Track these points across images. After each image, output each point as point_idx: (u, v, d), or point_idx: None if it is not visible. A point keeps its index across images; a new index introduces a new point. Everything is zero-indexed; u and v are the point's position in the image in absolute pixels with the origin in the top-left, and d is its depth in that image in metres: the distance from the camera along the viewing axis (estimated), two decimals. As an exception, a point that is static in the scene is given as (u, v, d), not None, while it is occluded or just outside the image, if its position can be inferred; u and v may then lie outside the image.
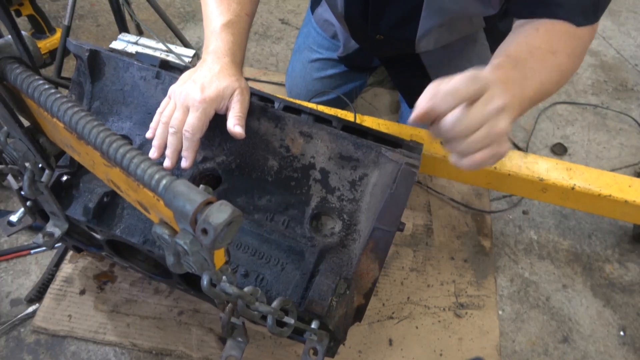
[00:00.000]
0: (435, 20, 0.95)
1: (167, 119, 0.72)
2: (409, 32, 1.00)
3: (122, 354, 0.95)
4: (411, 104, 1.25)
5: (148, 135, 0.76)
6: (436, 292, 1.08)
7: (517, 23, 0.75)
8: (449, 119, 0.55)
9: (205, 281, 0.48)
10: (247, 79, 0.80)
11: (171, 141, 0.71)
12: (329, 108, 1.11)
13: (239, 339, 0.67)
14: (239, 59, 0.78)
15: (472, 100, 0.55)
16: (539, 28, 0.70)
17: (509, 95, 0.57)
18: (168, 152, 0.72)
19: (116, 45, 1.34)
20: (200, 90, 0.70)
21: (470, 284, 1.11)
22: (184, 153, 0.72)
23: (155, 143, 0.72)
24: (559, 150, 1.50)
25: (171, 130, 0.71)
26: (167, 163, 0.72)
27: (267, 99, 0.81)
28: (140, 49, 1.34)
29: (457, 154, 0.59)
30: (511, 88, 0.60)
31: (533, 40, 0.69)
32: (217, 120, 0.78)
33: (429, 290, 1.09)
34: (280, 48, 1.79)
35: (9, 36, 0.51)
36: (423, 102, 0.55)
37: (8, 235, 1.08)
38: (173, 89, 0.74)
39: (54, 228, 0.76)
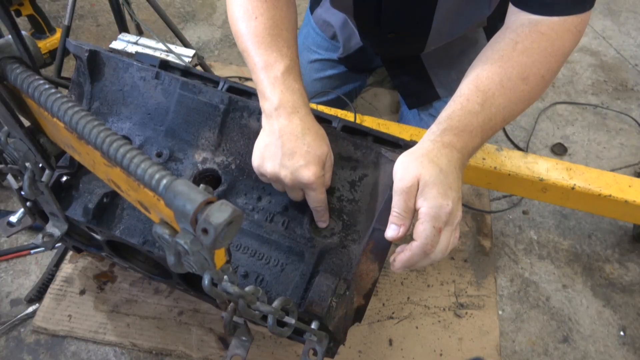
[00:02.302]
0: (448, 18, 0.96)
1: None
2: (422, 29, 1.00)
3: (122, 354, 0.95)
4: (410, 105, 1.26)
5: None
6: (436, 292, 1.08)
7: (506, 22, 0.75)
8: (426, 262, 0.63)
9: (206, 281, 0.48)
10: (246, 79, 0.79)
11: (315, 209, 0.71)
12: (329, 108, 1.11)
13: (243, 337, 0.67)
14: (309, 107, 0.72)
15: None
16: (517, 43, 0.69)
17: (458, 177, 0.63)
18: (317, 216, 0.72)
19: (116, 45, 1.34)
20: (305, 169, 0.66)
21: (470, 284, 1.11)
22: (321, 220, 0.72)
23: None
24: (559, 150, 1.50)
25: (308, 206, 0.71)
26: (323, 225, 0.73)
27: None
28: (140, 49, 1.34)
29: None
30: (461, 156, 0.65)
31: (506, 65, 0.68)
32: (218, 121, 0.78)
33: (429, 290, 1.09)
34: (280, 48, 1.79)
35: (9, 36, 0.51)
36: (400, 267, 0.64)
37: (8, 236, 1.08)
38: (265, 172, 0.69)
39: (54, 229, 0.76)
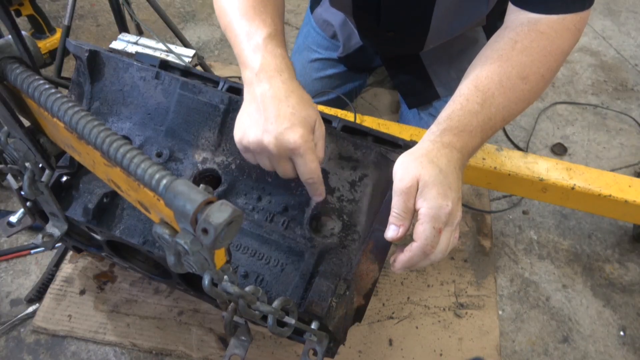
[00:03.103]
0: (447, 16, 0.96)
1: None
2: (421, 28, 1.00)
3: (122, 354, 0.95)
4: (410, 105, 1.26)
5: None
6: (436, 292, 1.08)
7: (506, 21, 0.75)
8: (426, 262, 0.63)
9: (206, 281, 0.48)
10: (247, 79, 0.78)
11: (309, 185, 0.67)
12: (329, 108, 1.11)
13: (242, 337, 0.67)
14: (294, 71, 0.67)
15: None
16: (517, 42, 0.69)
17: (458, 177, 0.63)
18: (311, 190, 0.68)
19: (116, 45, 1.34)
20: (290, 132, 0.60)
21: (470, 284, 1.11)
22: (316, 194, 0.68)
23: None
24: (559, 150, 1.50)
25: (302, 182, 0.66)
26: (319, 198, 0.69)
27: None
28: (140, 49, 1.34)
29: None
30: (461, 156, 0.65)
31: (506, 64, 0.68)
32: (218, 121, 0.78)
33: (429, 290, 1.09)
34: (280, 48, 1.79)
35: (9, 36, 0.51)
36: (400, 268, 0.64)
37: (8, 236, 1.08)
38: (248, 143, 0.63)
39: (54, 229, 0.76)
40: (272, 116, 0.61)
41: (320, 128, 0.65)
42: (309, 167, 0.63)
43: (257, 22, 0.68)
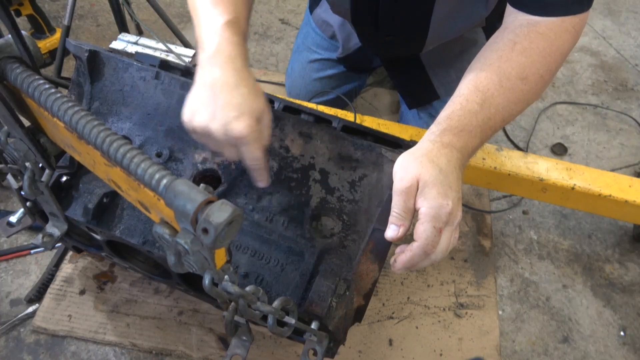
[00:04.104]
0: (445, 20, 0.96)
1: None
2: (420, 32, 1.00)
3: (122, 354, 0.95)
4: (410, 105, 1.26)
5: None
6: (436, 292, 1.08)
7: (504, 23, 0.75)
8: (427, 262, 0.63)
9: (207, 281, 0.48)
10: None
11: (252, 169, 0.68)
12: (329, 108, 1.11)
13: (244, 337, 0.67)
14: (247, 60, 0.68)
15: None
16: (516, 43, 0.69)
17: (458, 177, 0.64)
18: (255, 174, 0.69)
19: (116, 45, 1.34)
20: (236, 121, 0.60)
21: (470, 284, 1.11)
22: (260, 179, 0.69)
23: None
24: (559, 150, 1.50)
25: (238, 165, 0.67)
26: (263, 184, 0.70)
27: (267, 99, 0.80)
28: (140, 49, 1.34)
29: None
30: (461, 156, 0.65)
31: (505, 65, 0.68)
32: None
33: (429, 290, 1.09)
34: (280, 48, 1.79)
35: (9, 36, 0.51)
36: (401, 268, 0.64)
37: (8, 236, 1.08)
38: (195, 127, 0.63)
39: (54, 229, 0.76)
40: (221, 104, 0.61)
41: (267, 117, 0.66)
42: (254, 155, 0.64)
43: (220, 8, 0.68)
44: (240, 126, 0.60)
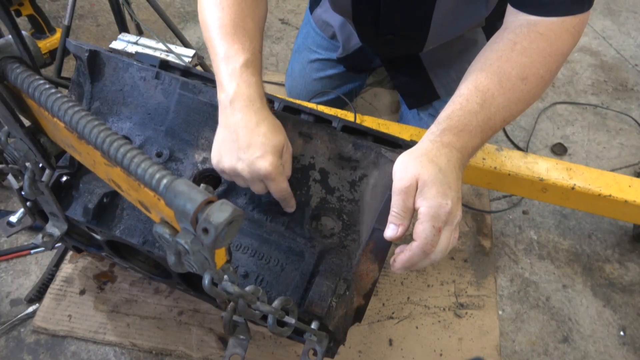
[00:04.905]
0: (446, 20, 0.96)
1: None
2: (421, 31, 1.00)
3: (122, 354, 0.95)
4: (410, 105, 1.26)
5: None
6: (436, 292, 1.08)
7: (505, 23, 0.75)
8: (426, 262, 0.63)
9: (207, 280, 0.48)
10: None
11: (279, 198, 0.72)
12: (329, 108, 1.11)
13: (242, 336, 0.67)
14: (265, 99, 0.73)
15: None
16: (516, 43, 0.69)
17: (458, 177, 0.63)
18: (283, 204, 0.73)
19: (116, 45, 1.34)
20: (261, 160, 0.66)
21: (470, 284, 1.11)
22: (287, 206, 0.74)
23: None
24: (559, 150, 1.50)
25: (268, 198, 0.72)
26: (291, 210, 0.75)
27: (267, 100, 0.81)
28: (140, 49, 1.33)
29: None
30: (461, 156, 0.65)
31: (505, 65, 0.68)
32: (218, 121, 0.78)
33: (429, 290, 1.09)
34: (280, 48, 1.79)
35: (9, 36, 0.51)
36: (400, 268, 0.64)
37: (8, 236, 1.08)
38: (223, 168, 0.69)
39: (54, 229, 0.76)
40: (245, 145, 0.66)
41: (288, 150, 0.72)
42: (280, 187, 0.69)
43: (236, 47, 0.71)
44: (264, 165, 0.66)
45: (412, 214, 0.63)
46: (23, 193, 0.66)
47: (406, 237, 0.64)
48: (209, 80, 0.82)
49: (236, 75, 0.69)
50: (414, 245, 0.61)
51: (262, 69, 0.76)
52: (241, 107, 0.68)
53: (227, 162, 0.68)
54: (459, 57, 1.14)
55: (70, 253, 1.06)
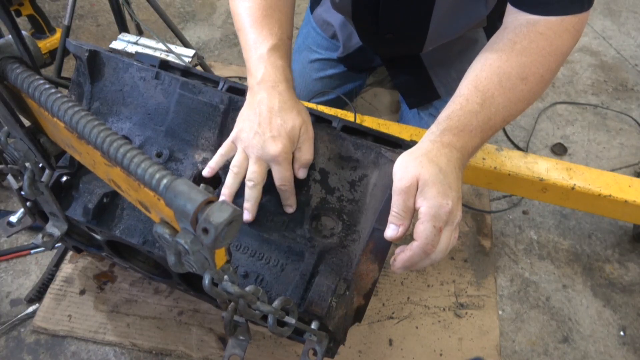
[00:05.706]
0: (445, 19, 0.96)
1: (239, 169, 0.71)
2: (420, 30, 1.00)
3: (122, 354, 0.95)
4: (410, 105, 1.26)
5: (205, 173, 0.74)
6: (436, 292, 1.08)
7: (505, 22, 0.75)
8: (427, 262, 0.63)
9: (207, 281, 0.48)
10: (246, 78, 0.79)
11: (251, 194, 0.71)
12: (329, 108, 1.11)
13: (241, 337, 0.67)
14: (292, 82, 0.75)
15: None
16: (516, 43, 0.69)
17: (458, 177, 0.64)
18: (247, 205, 0.71)
19: (116, 45, 1.34)
20: (273, 141, 0.68)
21: (470, 284, 1.11)
22: (287, 203, 0.73)
23: (225, 192, 0.72)
24: (559, 150, 1.50)
25: (250, 184, 0.70)
26: (247, 216, 0.72)
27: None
28: (140, 49, 1.33)
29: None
30: (461, 156, 0.65)
31: (505, 65, 0.68)
32: (218, 121, 0.78)
33: (429, 290, 1.09)
34: (280, 48, 1.79)
35: (9, 36, 0.51)
36: (400, 268, 0.64)
37: (8, 236, 1.08)
38: (240, 139, 0.71)
39: (54, 229, 0.76)
40: (265, 122, 0.69)
41: (308, 134, 0.72)
42: (283, 175, 0.70)
43: (264, 33, 0.75)
44: (275, 147, 0.68)
45: (413, 214, 0.63)
46: (23, 193, 0.66)
47: (406, 237, 0.64)
48: (209, 80, 0.82)
49: (263, 59, 0.73)
50: (415, 245, 0.61)
51: (291, 54, 0.78)
52: (266, 88, 0.71)
53: (245, 136, 0.70)
54: (460, 56, 1.14)
55: (70, 253, 1.06)
